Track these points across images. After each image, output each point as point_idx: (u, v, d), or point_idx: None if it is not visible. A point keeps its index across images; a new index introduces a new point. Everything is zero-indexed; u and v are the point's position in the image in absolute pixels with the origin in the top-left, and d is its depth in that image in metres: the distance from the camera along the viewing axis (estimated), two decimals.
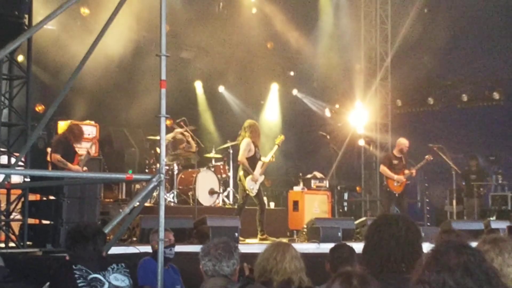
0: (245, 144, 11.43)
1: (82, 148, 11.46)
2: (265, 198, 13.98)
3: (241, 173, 11.51)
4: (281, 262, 4.77)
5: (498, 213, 15.39)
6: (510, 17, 16.73)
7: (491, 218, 14.37)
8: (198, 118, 17.05)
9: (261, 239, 11.25)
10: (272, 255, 4.82)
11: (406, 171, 13.36)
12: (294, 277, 4.76)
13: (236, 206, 12.04)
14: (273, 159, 11.89)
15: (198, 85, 17.59)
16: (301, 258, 4.94)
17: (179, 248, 7.26)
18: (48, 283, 4.91)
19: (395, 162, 13.37)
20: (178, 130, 13.74)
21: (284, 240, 10.99)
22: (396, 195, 13.36)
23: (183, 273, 7.22)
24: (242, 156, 11.41)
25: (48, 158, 10.94)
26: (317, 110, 18.95)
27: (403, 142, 13.61)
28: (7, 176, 8.56)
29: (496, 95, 17.31)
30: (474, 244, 2.42)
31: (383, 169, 13.44)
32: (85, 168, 10.85)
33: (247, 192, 11.39)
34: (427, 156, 13.51)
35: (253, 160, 11.46)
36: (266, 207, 14.34)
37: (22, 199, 8.72)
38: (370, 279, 2.85)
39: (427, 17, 17.68)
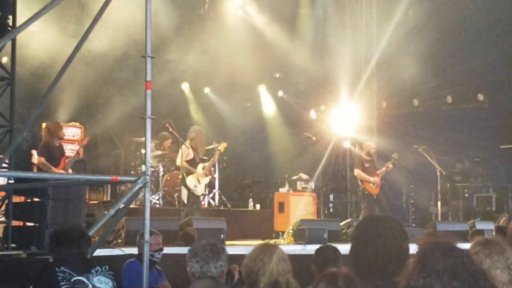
0: (182, 150, 12.00)
1: (67, 150, 11.42)
2: (250, 202, 14.02)
3: (183, 175, 11.95)
4: (268, 264, 4.76)
5: (482, 214, 15.46)
6: (493, 20, 16.82)
7: (476, 219, 14.43)
8: (184, 119, 17.00)
9: None
10: (259, 257, 4.81)
11: (379, 171, 13.57)
12: (281, 279, 4.75)
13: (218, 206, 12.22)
14: (215, 159, 12.50)
15: (184, 87, 17.54)
16: (288, 259, 4.93)
17: (164, 250, 7.24)
18: (32, 286, 4.87)
19: (367, 165, 13.60)
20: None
21: (270, 242, 11.01)
22: (374, 197, 13.49)
23: (168, 275, 7.20)
24: (181, 161, 12.00)
25: (33, 160, 10.89)
26: (302, 111, 18.95)
27: (370, 145, 14.15)
28: None
29: (480, 97, 17.40)
30: (461, 245, 2.40)
31: (358, 172, 13.63)
32: (70, 170, 10.80)
33: (193, 192, 11.77)
34: (388, 163, 13.74)
35: (192, 163, 12.00)
36: (252, 208, 14.42)
37: (6, 201, 8.66)
38: (356, 280, 2.85)
39: (411, 20, 17.73)
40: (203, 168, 12.08)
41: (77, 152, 11.07)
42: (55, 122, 10.99)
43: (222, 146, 12.55)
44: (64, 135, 11.17)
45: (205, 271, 4.40)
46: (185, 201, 12.78)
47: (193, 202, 11.94)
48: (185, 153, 11.96)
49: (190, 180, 11.83)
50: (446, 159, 16.03)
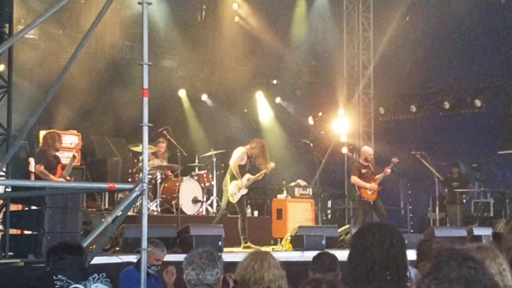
0: (240, 152, 11.83)
1: (64, 158, 11.41)
2: (248, 208, 14.04)
3: (228, 176, 11.79)
4: (259, 271, 4.74)
5: (480, 220, 15.46)
6: (490, 26, 16.87)
7: (474, 225, 14.43)
8: (181, 126, 16.99)
9: (244, 247, 11.26)
10: (250, 265, 4.79)
11: (376, 177, 13.41)
12: (273, 286, 4.73)
13: (217, 214, 12.14)
14: (260, 176, 12.08)
15: (181, 94, 17.54)
16: (280, 266, 4.91)
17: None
18: None
19: (364, 171, 13.42)
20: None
21: (268, 248, 11.00)
22: (371, 203, 13.38)
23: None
24: (235, 162, 11.76)
25: (30, 168, 10.88)
26: (300, 118, 18.97)
27: (367, 150, 13.83)
28: None
29: (477, 103, 17.41)
30: None
31: (354, 179, 13.41)
32: (72, 178, 10.81)
33: (229, 196, 11.60)
34: (386, 168, 13.52)
35: (242, 169, 11.78)
36: (250, 215, 14.41)
37: (4, 209, 8.65)
38: (340, 286, 2.84)
39: (409, 26, 17.78)
40: (248, 180, 11.84)
41: (73, 156, 11.04)
42: (54, 133, 10.95)
43: (270, 166, 12.04)
44: (60, 147, 11.12)
45: (201, 278, 4.39)
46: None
47: (227, 207, 11.84)
48: (240, 156, 11.79)
49: (232, 186, 11.70)
50: (444, 164, 16.04)
